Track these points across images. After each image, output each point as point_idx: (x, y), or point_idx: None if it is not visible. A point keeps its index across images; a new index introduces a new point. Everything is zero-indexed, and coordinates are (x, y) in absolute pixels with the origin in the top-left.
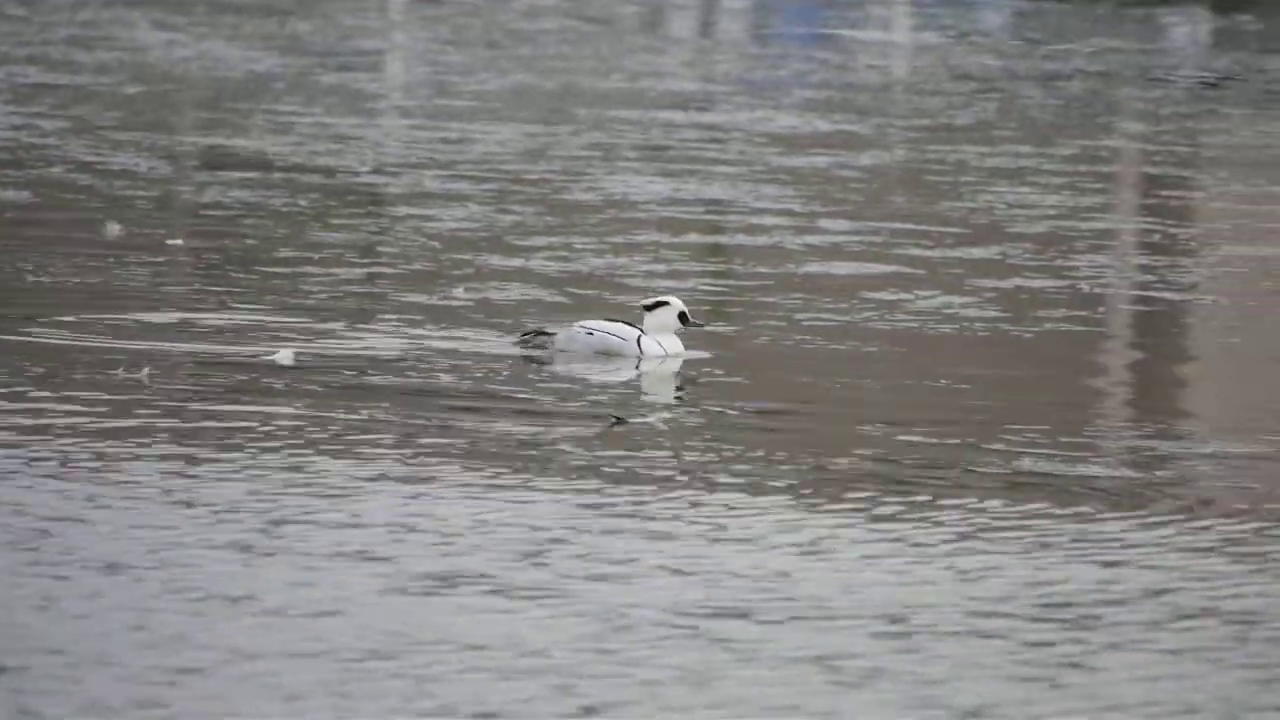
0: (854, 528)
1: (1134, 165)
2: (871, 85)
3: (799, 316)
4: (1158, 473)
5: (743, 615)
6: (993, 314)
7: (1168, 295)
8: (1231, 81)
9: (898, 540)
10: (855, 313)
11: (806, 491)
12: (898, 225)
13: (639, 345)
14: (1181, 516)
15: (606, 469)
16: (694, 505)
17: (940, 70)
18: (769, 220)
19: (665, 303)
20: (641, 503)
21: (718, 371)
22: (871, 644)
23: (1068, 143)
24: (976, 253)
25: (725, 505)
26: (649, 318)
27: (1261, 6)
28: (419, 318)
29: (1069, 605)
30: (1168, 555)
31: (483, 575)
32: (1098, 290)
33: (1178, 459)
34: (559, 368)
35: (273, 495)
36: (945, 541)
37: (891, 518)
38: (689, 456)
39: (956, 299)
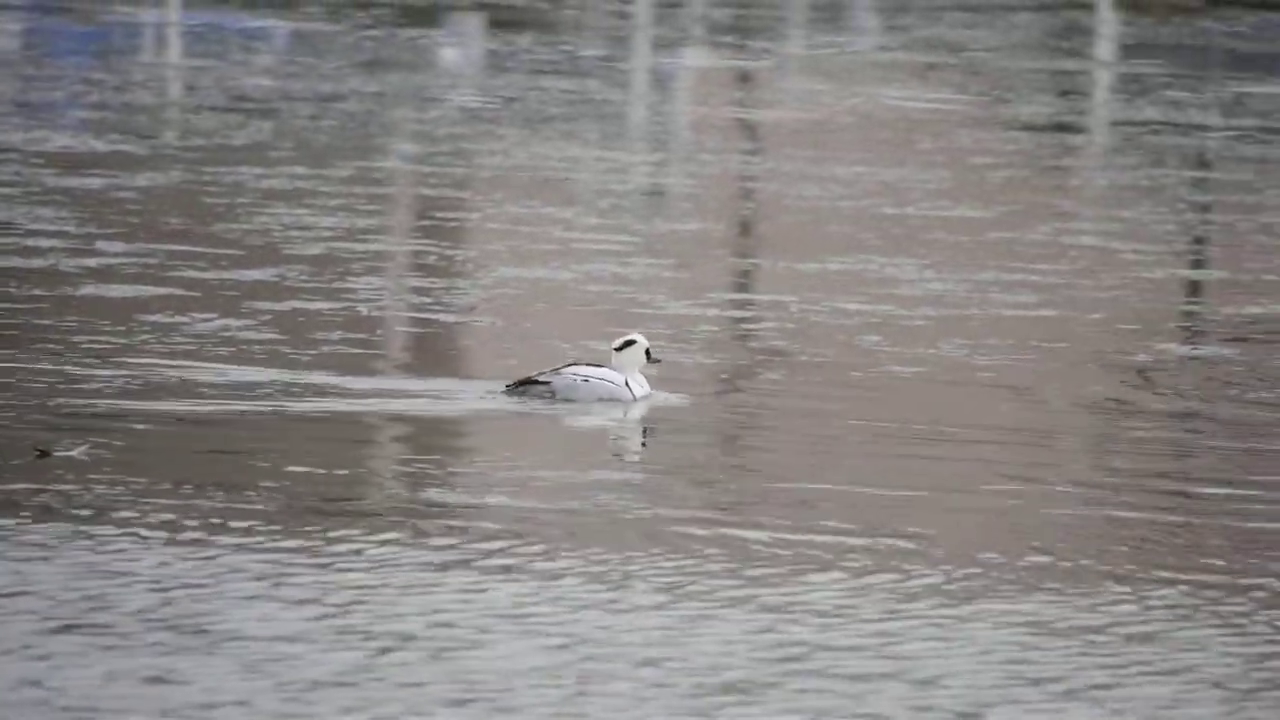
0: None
1: (409, 187)
2: (148, 106)
3: (76, 339)
4: (600, 500)
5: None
6: (271, 336)
7: (444, 317)
8: (508, 102)
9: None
10: (133, 335)
11: (265, 526)
12: (174, 246)
13: (629, 388)
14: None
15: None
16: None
17: (216, 91)
18: (44, 242)
19: (633, 341)
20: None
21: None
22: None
23: (343, 164)
24: (253, 274)
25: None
26: (617, 357)
27: (535, 28)
28: None
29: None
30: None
31: None
32: (375, 312)
33: (575, 485)
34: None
35: None
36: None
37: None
38: (101, 490)
39: (234, 321)
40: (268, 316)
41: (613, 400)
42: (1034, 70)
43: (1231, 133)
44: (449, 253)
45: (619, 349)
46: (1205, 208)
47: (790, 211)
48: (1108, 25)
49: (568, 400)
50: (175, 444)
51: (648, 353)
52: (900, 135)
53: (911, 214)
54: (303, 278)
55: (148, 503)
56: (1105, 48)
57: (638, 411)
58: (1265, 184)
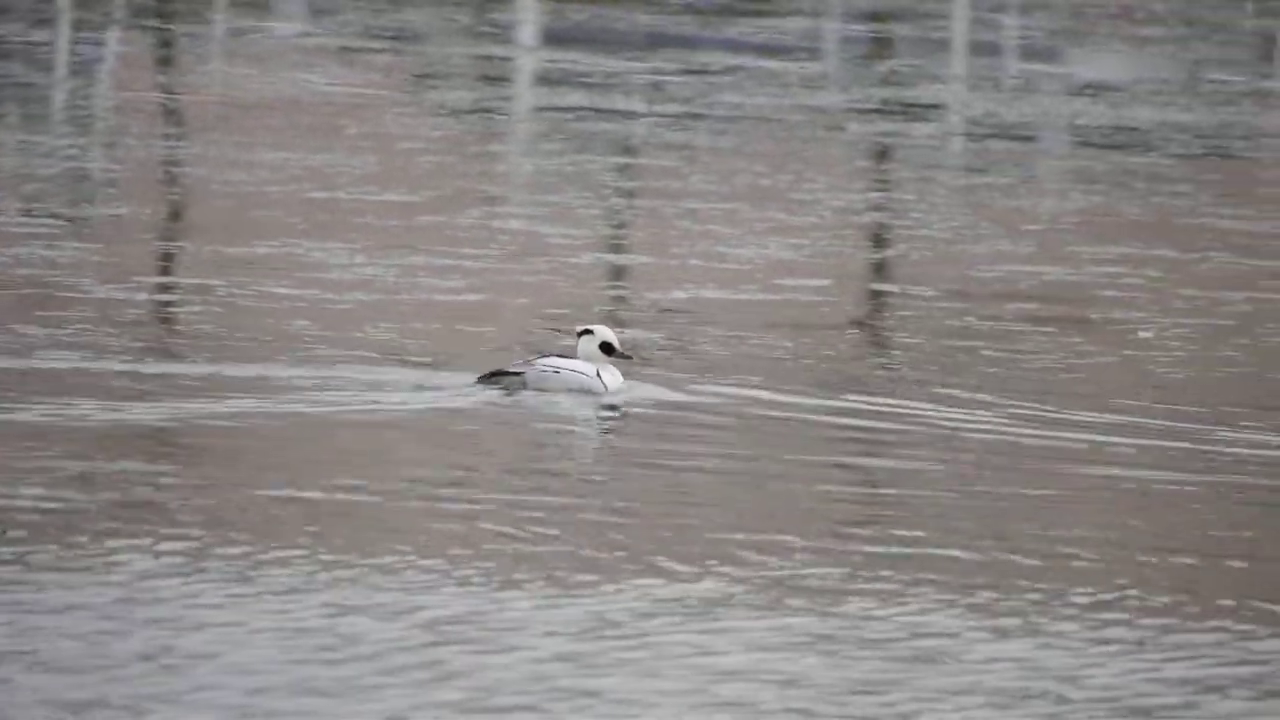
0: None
1: None
2: None
3: None
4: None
5: None
6: None
7: None
8: None
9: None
10: None
11: None
12: None
13: (601, 379)
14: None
15: None
16: None
17: None
18: None
19: (589, 330)
20: None
21: None
22: None
23: None
24: None
25: None
26: (579, 346)
27: None
28: None
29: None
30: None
31: None
32: None
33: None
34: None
35: None
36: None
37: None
38: None
39: None
40: None
41: (584, 391)
42: (459, 56)
43: (654, 118)
44: None
45: (578, 335)
46: (630, 193)
47: (217, 196)
48: (530, 11)
49: (540, 390)
50: None
51: (604, 345)
52: (326, 120)
53: (340, 198)
54: None
55: None
56: (528, 33)
57: (599, 403)
58: (689, 169)
